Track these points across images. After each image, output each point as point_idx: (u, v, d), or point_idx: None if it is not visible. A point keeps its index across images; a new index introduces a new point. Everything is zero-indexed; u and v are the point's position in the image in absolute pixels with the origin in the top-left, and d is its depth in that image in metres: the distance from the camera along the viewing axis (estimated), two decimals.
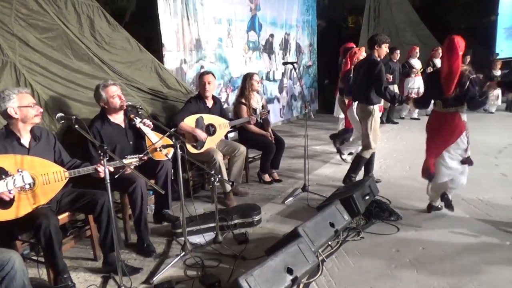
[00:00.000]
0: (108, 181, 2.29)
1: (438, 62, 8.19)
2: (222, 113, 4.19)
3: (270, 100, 7.78)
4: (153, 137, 3.16)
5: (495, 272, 2.66)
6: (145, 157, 2.89)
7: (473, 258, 2.84)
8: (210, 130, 3.91)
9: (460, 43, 3.20)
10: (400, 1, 11.22)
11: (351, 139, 5.34)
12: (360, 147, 4.36)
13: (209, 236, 3.22)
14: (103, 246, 2.73)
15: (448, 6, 14.18)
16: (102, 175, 2.41)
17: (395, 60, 7.85)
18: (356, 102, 4.42)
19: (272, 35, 7.72)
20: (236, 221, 3.37)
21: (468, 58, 9.67)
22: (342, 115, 5.91)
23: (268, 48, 7.65)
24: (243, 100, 4.42)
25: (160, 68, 4.46)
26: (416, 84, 7.85)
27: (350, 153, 5.21)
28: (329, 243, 3.04)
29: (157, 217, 3.42)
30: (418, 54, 8.06)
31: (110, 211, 2.48)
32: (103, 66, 3.77)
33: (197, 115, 3.84)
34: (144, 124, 3.16)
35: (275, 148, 4.43)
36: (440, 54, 8.11)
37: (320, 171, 5.03)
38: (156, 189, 2.57)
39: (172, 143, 2.82)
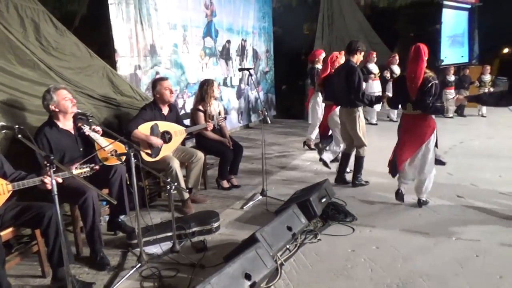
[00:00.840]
0: (56, 193, 2.17)
1: (395, 68, 8.60)
2: (178, 120, 4.12)
3: (228, 106, 7.78)
4: (103, 144, 3.06)
5: (443, 267, 2.80)
6: (97, 167, 2.78)
7: (423, 255, 2.98)
8: (165, 137, 3.84)
9: (425, 49, 3.50)
10: (352, 9, 11.64)
11: (332, 146, 5.32)
12: (340, 150, 4.70)
13: (166, 245, 3.15)
14: (51, 261, 2.59)
15: (396, 15, 14.94)
16: (49, 187, 2.29)
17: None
18: (339, 107, 4.61)
19: (229, 41, 7.73)
20: (194, 229, 3.33)
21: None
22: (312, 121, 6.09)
23: (225, 54, 7.65)
24: (200, 107, 4.38)
25: (112, 74, 4.32)
26: (375, 89, 8.11)
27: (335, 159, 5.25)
28: (287, 246, 3.07)
29: (111, 225, 3.30)
30: (375, 59, 8.37)
31: (59, 224, 2.35)
32: (50, 73, 3.59)
33: (152, 122, 3.76)
34: (93, 130, 3.05)
35: (233, 154, 4.43)
36: (397, 61, 8.55)
37: (278, 175, 5.08)
38: (109, 200, 2.47)
39: (125, 151, 2.73)
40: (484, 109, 9.56)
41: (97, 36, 5.84)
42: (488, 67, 10.19)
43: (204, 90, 4.37)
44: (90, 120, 3.03)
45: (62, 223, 2.37)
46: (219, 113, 4.54)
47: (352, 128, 4.38)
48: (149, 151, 3.52)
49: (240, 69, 4.79)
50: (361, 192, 4.33)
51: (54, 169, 2.15)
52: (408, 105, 3.65)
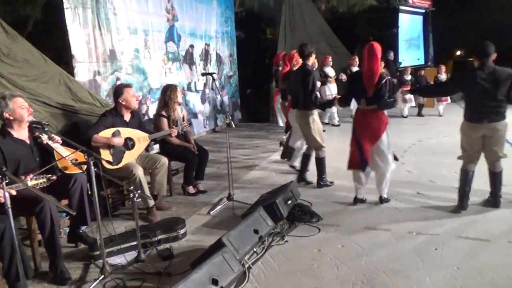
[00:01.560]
0: (9, 206, 2.07)
1: (327, 70, 8.86)
2: (141, 126, 4.04)
3: (193, 111, 7.71)
4: (63, 152, 2.94)
5: (405, 262, 2.90)
6: (54, 177, 2.67)
7: (386, 251, 3.07)
8: (128, 144, 3.75)
9: (378, 47, 3.65)
10: (312, 14, 11.88)
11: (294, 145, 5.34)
12: (303, 149, 4.78)
13: (131, 255, 3.06)
14: (7, 277, 2.46)
15: (355, 20, 15.42)
16: (1, 200, 2.18)
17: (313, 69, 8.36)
18: (295, 109, 4.63)
19: (192, 46, 7.68)
20: (160, 237, 3.26)
21: (382, 64, 10.52)
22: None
23: (188, 59, 7.59)
24: (164, 113, 4.32)
25: (70, 80, 4.17)
26: (333, 91, 8.32)
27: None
28: (255, 249, 3.08)
29: (72, 237, 3.18)
30: (331, 63, 8.64)
31: (14, 238, 2.24)
32: (1, 80, 3.42)
33: (113, 129, 3.66)
34: (52, 139, 2.93)
35: (198, 159, 4.39)
36: (357, 63, 8.84)
37: (245, 178, 5.09)
38: (67, 211, 2.38)
39: (85, 160, 2.64)
40: (441, 109, 10.03)
41: (53, 42, 5.64)
42: (443, 67, 10.74)
43: (168, 95, 4.31)
44: (46, 129, 2.91)
45: (17, 236, 2.25)
46: (183, 119, 4.49)
47: (307, 131, 4.45)
48: (110, 159, 3.42)
49: (203, 74, 4.78)
50: (326, 192, 4.42)
51: (7, 181, 2.05)
52: (363, 101, 3.76)
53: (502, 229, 3.36)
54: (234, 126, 4.19)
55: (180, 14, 7.12)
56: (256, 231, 3.02)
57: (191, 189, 4.49)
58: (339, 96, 4.56)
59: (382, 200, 3.99)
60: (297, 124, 4.75)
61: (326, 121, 9.00)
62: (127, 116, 3.88)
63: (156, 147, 4.77)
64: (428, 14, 16.80)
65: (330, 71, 8.57)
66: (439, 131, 7.79)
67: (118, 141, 3.63)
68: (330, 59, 8.65)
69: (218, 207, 4.04)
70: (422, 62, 15.62)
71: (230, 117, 4.11)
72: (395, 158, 3.87)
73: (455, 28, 18.63)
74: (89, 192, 3.09)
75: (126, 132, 3.76)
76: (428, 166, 5.37)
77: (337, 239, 3.30)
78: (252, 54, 10.01)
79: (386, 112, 3.79)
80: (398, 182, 4.72)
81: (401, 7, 15.09)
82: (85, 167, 2.88)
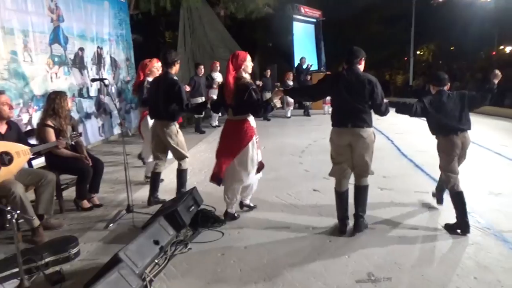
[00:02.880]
0: None
1: (215, 75, 9.17)
2: (21, 139, 3.60)
3: (86, 119, 7.15)
4: None
5: (303, 256, 3.07)
6: None
7: (286, 248, 3.22)
8: (4, 159, 3.30)
9: (238, 57, 3.57)
10: (211, 19, 11.97)
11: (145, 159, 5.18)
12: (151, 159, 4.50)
13: (13, 283, 2.72)
14: None
15: (253, 26, 15.97)
16: None
17: (200, 75, 8.58)
18: (154, 120, 4.25)
19: (82, 49, 7.13)
20: (47, 259, 2.95)
21: (269, 72, 11.15)
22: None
23: (78, 63, 7.03)
24: (49, 122, 3.92)
25: None
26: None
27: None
28: (156, 261, 2.96)
29: None
30: (218, 68, 9.08)
31: None
32: None
33: None
34: None
35: (92, 171, 4.08)
36: (218, 68, 9.24)
37: (145, 189, 4.84)
38: None
39: None
40: (327, 109, 11.02)
41: None
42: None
43: (57, 103, 3.93)
44: None
45: None
46: (72, 128, 4.13)
47: (168, 142, 4.10)
48: None
49: (93, 80, 4.44)
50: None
51: None
52: (229, 111, 3.70)
53: (383, 218, 3.76)
54: (130, 134, 3.99)
55: (66, 14, 6.56)
56: (156, 242, 2.91)
57: (85, 204, 4.15)
58: (214, 97, 4.53)
59: (242, 205, 3.96)
60: (149, 134, 4.41)
61: (214, 124, 9.39)
62: (2, 128, 3.44)
63: (42, 160, 4.30)
64: (319, 23, 18.18)
65: (218, 76, 8.94)
66: None
67: None
68: (218, 65, 9.14)
69: (117, 221, 3.80)
70: (315, 67, 16.76)
71: (126, 125, 3.90)
72: (259, 170, 3.79)
73: (343, 37, 20.50)
74: None
75: (1, 145, 3.32)
76: (322, 164, 5.74)
77: (240, 241, 3.35)
78: (150, 58, 9.67)
79: (253, 123, 3.69)
80: (296, 181, 5.01)
81: (295, 16, 16.07)
82: None
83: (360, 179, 3.49)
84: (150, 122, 4.44)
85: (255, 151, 3.64)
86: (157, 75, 4.63)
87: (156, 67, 4.92)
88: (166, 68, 4.10)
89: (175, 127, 4.13)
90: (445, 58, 23.72)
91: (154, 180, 4.32)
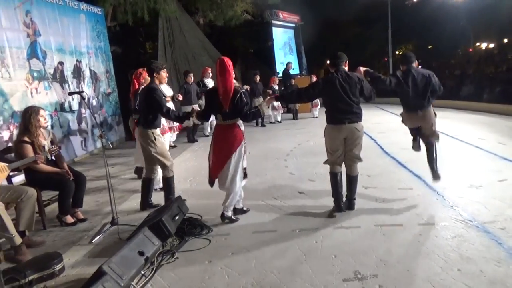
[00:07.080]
0: None
1: (207, 81, 9.16)
2: None
3: (68, 133, 7.06)
4: None
5: (290, 258, 3.07)
6: None
7: (273, 251, 3.22)
8: None
9: (229, 63, 3.69)
10: (191, 28, 11.98)
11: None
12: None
13: None
14: None
15: (233, 33, 16.05)
16: None
17: (190, 83, 8.52)
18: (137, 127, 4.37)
19: (61, 63, 7.07)
20: (31, 277, 2.88)
21: (258, 77, 11.07)
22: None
23: (59, 77, 6.95)
24: (26, 138, 3.85)
25: None
26: None
27: None
28: (142, 272, 2.93)
29: None
30: (210, 74, 9.02)
31: None
32: None
33: None
34: None
35: (73, 185, 4.02)
36: (210, 74, 9.25)
37: (130, 200, 4.82)
38: None
39: None
40: (317, 111, 11.07)
41: None
42: (314, 76, 12.00)
43: (27, 119, 3.87)
44: None
45: None
46: (52, 142, 4.07)
47: (149, 150, 4.17)
48: None
49: (70, 93, 4.41)
50: (216, 203, 4.42)
51: None
52: (219, 116, 3.77)
53: (368, 216, 3.81)
54: (110, 146, 3.95)
55: (42, 28, 6.49)
56: (141, 253, 2.88)
57: (69, 219, 4.08)
58: (197, 110, 4.59)
59: (223, 218, 3.84)
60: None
61: (207, 133, 9.25)
62: None
63: (23, 177, 4.22)
64: (298, 28, 18.38)
65: (209, 82, 8.85)
66: (316, 134, 8.52)
67: None
68: (209, 71, 9.00)
69: (102, 234, 3.75)
70: (297, 71, 16.91)
71: (106, 138, 3.87)
72: (245, 176, 3.87)
73: (323, 40, 20.75)
74: None
75: None
76: (307, 166, 5.81)
77: (228, 248, 3.34)
78: (131, 69, 9.60)
79: (242, 128, 3.81)
80: (282, 184, 5.02)
81: (274, 21, 16.23)
82: None
83: (351, 168, 3.91)
84: None
85: (243, 156, 3.79)
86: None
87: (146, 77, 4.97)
88: (150, 77, 4.25)
89: (151, 134, 4.17)
90: (423, 57, 24.21)
91: (145, 185, 4.38)
